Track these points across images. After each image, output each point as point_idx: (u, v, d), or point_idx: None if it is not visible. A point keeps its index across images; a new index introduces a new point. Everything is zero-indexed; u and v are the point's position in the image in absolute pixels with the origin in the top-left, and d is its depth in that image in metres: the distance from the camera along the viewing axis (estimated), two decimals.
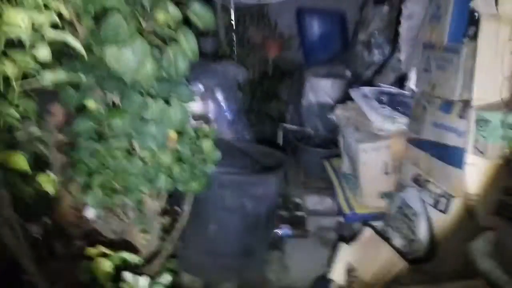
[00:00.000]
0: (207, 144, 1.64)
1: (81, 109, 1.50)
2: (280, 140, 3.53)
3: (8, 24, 0.93)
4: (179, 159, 1.60)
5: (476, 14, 1.55)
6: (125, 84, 1.42)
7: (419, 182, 1.98)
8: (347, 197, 2.56)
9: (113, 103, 1.51)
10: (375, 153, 2.30)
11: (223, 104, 2.69)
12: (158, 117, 1.48)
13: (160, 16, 1.44)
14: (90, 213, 1.68)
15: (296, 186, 3.04)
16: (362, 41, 3.40)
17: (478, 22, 1.52)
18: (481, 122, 1.47)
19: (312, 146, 3.32)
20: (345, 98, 2.77)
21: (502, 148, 1.39)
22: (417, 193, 1.93)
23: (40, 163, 1.60)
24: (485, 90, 1.52)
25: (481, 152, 1.47)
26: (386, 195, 2.29)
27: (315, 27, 3.85)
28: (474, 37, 1.55)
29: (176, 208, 1.82)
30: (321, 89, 3.54)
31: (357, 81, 3.22)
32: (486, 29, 1.49)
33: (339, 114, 2.62)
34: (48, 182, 1.47)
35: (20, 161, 1.26)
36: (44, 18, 0.99)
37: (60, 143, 1.68)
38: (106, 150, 1.51)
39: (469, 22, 1.64)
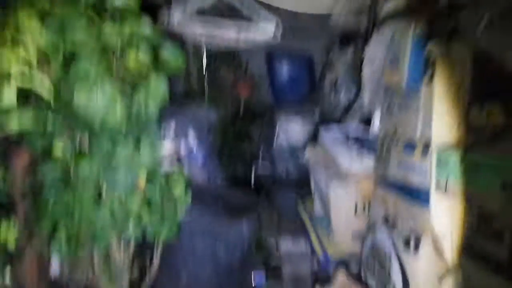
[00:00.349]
0: (178, 188, 1.62)
1: (47, 154, 1.47)
2: (252, 183, 3.53)
3: None
4: (148, 204, 1.57)
5: (431, 58, 1.66)
6: (94, 128, 1.41)
7: (388, 221, 2.01)
8: (320, 239, 2.56)
9: (80, 148, 1.48)
10: (344, 193, 2.33)
11: (194, 145, 2.69)
12: (127, 161, 1.47)
13: (131, 60, 1.46)
14: (54, 265, 1.60)
15: (270, 229, 3.02)
16: (329, 82, 3.54)
17: (434, 66, 1.62)
18: (441, 161, 1.53)
19: (285, 188, 3.34)
20: (314, 138, 2.84)
21: (462, 185, 1.45)
22: (387, 233, 1.95)
23: (1, 212, 1.53)
24: (443, 130, 1.60)
25: (443, 190, 1.52)
26: (358, 236, 2.30)
27: (284, 70, 3.98)
28: (431, 79, 1.65)
29: (145, 258, 1.75)
30: (291, 129, 3.61)
31: (326, 121, 3.32)
32: (441, 72, 1.59)
33: (309, 154, 2.67)
34: (9, 231, 1.39)
35: None
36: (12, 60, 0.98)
37: (24, 189, 1.62)
38: (73, 198, 1.46)
39: (426, 66, 1.74)
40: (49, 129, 1.37)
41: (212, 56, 3.62)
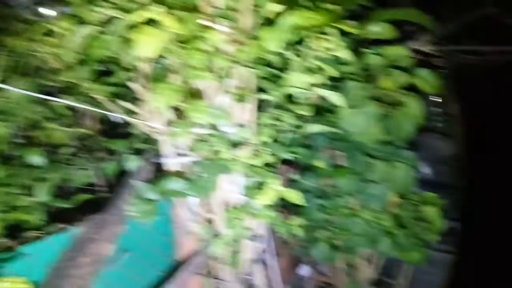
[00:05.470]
0: (431, 212, 1.55)
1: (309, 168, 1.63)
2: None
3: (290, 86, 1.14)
4: (400, 224, 1.55)
5: None
6: (353, 144, 1.51)
7: None
8: None
9: (339, 162, 1.60)
10: None
11: (431, 177, 2.54)
12: (381, 178, 1.50)
13: (388, 82, 1.52)
14: (303, 271, 1.73)
15: None
16: None
17: None
18: None
19: None
20: None
21: None
22: None
23: None
24: None
25: None
26: None
27: None
28: None
29: (391, 276, 1.72)
30: None
31: None
32: None
33: None
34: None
35: None
36: (315, 80, 1.17)
37: None
38: (331, 207, 1.58)
39: None
40: (314, 142, 1.54)
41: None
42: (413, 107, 1.52)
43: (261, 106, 1.30)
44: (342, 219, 1.50)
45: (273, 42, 1.02)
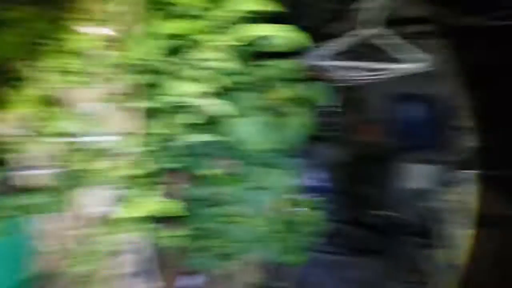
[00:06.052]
0: (314, 215, 1.65)
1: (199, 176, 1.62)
2: (373, 226, 3.38)
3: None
4: (284, 229, 1.62)
5: None
6: (242, 153, 1.54)
7: None
8: None
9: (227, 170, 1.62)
10: None
11: (317, 183, 2.72)
12: (268, 186, 1.55)
13: (278, 93, 1.59)
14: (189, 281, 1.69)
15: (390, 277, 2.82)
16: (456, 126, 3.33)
17: None
18: None
19: (407, 235, 3.13)
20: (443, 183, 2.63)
21: None
22: None
23: None
24: None
25: None
26: None
27: (411, 112, 3.87)
28: None
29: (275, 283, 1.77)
30: (418, 174, 3.46)
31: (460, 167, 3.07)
32: None
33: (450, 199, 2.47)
34: None
35: None
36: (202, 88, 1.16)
37: None
38: (217, 215, 1.58)
39: None
40: (205, 150, 1.53)
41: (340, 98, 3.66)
42: (301, 118, 1.61)
43: (149, 114, 1.26)
44: (226, 227, 1.52)
45: (144, 49, 0.99)
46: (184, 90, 1.13)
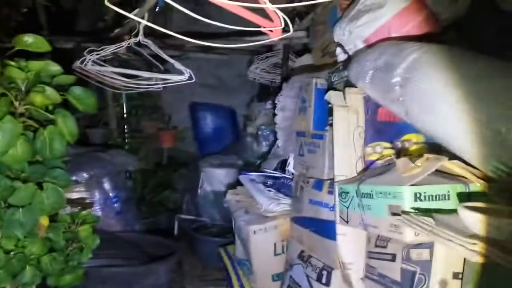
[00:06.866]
0: (84, 231, 1.55)
1: None
2: (175, 231, 3.45)
3: None
4: (51, 248, 1.47)
5: (330, 105, 1.85)
6: None
7: (303, 258, 2.07)
8: (242, 284, 2.53)
9: None
10: (264, 234, 2.37)
11: (110, 193, 2.60)
12: (27, 202, 1.39)
13: (37, 98, 1.44)
14: None
15: (193, 279, 2.94)
16: (250, 133, 3.71)
17: (332, 113, 1.81)
18: (343, 194, 1.66)
19: (209, 236, 3.31)
20: (236, 185, 2.90)
21: (360, 216, 1.57)
22: (302, 270, 2.01)
23: None
24: (343, 167, 1.75)
25: (346, 221, 1.63)
26: (277, 276, 2.32)
27: (208, 121, 4.11)
28: (331, 125, 1.83)
29: None
30: (215, 178, 3.66)
31: (248, 168, 3.42)
32: (338, 117, 1.77)
33: (230, 198, 2.71)
34: None
35: None
36: None
37: None
38: None
39: (329, 113, 1.93)
40: None
41: (134, 106, 3.64)
42: (64, 125, 1.49)
43: None
44: None
45: None
46: None
